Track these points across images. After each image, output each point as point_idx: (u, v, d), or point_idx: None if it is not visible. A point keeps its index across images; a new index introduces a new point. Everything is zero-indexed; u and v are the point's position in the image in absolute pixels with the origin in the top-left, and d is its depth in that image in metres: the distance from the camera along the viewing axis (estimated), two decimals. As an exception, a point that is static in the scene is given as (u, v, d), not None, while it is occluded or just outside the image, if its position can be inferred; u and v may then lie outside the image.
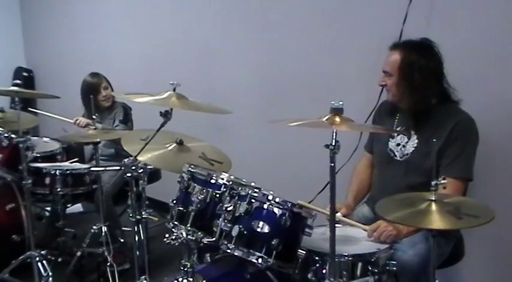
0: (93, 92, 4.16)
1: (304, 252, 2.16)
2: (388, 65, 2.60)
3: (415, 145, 2.60)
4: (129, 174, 2.53)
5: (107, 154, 4.10)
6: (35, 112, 4.36)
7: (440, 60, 2.57)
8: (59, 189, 3.64)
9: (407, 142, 2.64)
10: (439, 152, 2.42)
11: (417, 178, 2.52)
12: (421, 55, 2.53)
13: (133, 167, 2.52)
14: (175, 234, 2.20)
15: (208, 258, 2.43)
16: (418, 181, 2.49)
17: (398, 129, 2.69)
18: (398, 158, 2.66)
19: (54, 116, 4.09)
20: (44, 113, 4.28)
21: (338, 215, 2.54)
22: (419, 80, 2.51)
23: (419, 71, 2.51)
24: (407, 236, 2.41)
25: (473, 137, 2.53)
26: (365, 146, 2.98)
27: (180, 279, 2.18)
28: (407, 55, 2.54)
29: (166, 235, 2.20)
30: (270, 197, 2.13)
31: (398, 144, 2.67)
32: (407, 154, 2.62)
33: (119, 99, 4.21)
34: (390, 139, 2.71)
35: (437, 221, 1.86)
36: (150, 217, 2.66)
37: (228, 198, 2.17)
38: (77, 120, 4.04)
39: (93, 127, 3.56)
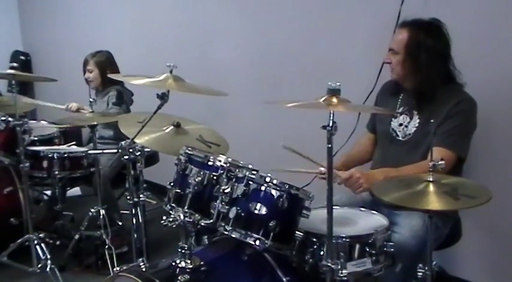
0: (83, 70, 4.17)
1: (301, 233, 2.16)
2: (395, 43, 2.59)
3: (417, 125, 2.60)
4: (126, 157, 2.53)
5: (105, 136, 4.08)
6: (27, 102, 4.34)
7: (447, 41, 2.56)
8: (56, 173, 3.63)
9: (409, 122, 2.64)
10: (437, 128, 2.43)
11: (418, 158, 2.52)
12: (429, 35, 2.53)
13: (131, 150, 2.51)
14: (172, 216, 2.19)
15: (206, 240, 2.43)
16: (419, 161, 2.48)
17: (400, 110, 2.68)
18: (400, 138, 2.66)
19: (45, 103, 4.09)
20: (35, 101, 4.27)
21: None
22: (425, 60, 2.51)
23: (426, 51, 2.51)
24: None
25: (471, 117, 2.54)
26: (367, 125, 2.97)
27: (178, 262, 2.18)
28: (414, 34, 2.53)
29: (164, 217, 2.20)
30: (268, 179, 2.12)
31: (400, 124, 2.67)
32: (410, 134, 2.62)
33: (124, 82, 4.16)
34: (393, 119, 2.70)
35: (434, 202, 1.87)
36: (148, 200, 2.66)
37: (225, 180, 2.16)
38: (68, 105, 4.04)
39: (85, 111, 3.53)
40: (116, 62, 4.27)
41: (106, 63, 4.19)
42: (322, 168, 2.42)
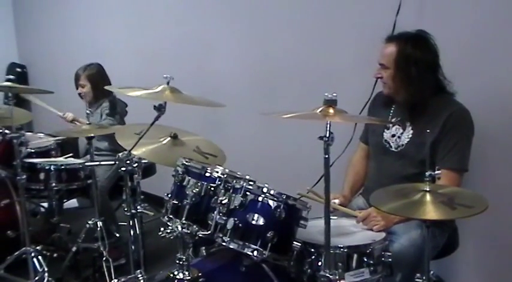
0: (76, 86, 4.18)
1: (299, 244, 2.16)
2: (384, 58, 2.59)
3: (410, 136, 2.61)
4: (123, 169, 2.53)
5: (101, 147, 4.08)
6: (28, 100, 4.34)
7: (436, 52, 2.57)
8: (53, 185, 3.63)
9: (402, 133, 2.64)
10: (434, 143, 2.43)
11: (412, 169, 2.53)
12: (417, 47, 2.53)
13: (128, 161, 2.51)
14: (170, 228, 2.20)
15: (204, 251, 2.42)
16: (413, 172, 2.51)
17: (393, 120, 2.69)
18: (393, 149, 2.67)
19: (44, 105, 4.09)
20: (35, 100, 4.25)
21: (335, 201, 2.62)
22: (416, 72, 2.51)
23: (415, 64, 2.51)
24: (399, 223, 2.44)
25: (468, 127, 2.54)
26: (360, 137, 2.99)
27: (176, 273, 2.18)
28: (403, 48, 2.53)
29: (161, 229, 2.20)
30: (265, 190, 2.12)
31: (393, 136, 2.68)
32: (403, 145, 2.63)
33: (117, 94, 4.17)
34: (385, 130, 2.71)
35: (431, 212, 1.88)
36: (145, 211, 2.65)
37: (222, 191, 2.17)
38: (64, 114, 4.05)
39: (80, 124, 3.52)
40: (106, 73, 4.27)
41: (97, 76, 4.20)
42: (336, 201, 2.65)
